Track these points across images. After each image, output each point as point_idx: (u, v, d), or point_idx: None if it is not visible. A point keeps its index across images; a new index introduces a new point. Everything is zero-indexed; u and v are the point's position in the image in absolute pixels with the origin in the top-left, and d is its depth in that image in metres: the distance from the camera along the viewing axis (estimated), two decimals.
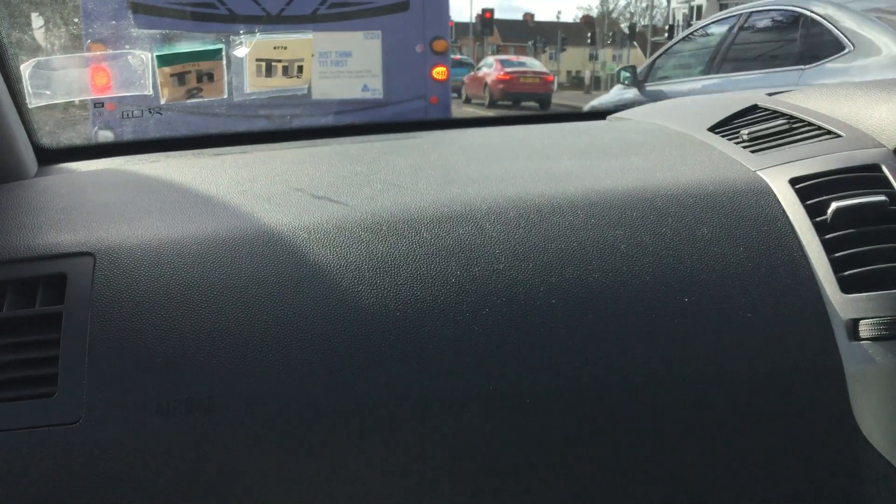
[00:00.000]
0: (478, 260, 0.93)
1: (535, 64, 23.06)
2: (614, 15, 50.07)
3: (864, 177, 1.00)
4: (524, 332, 0.89)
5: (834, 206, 0.96)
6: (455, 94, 18.35)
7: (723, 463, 0.92)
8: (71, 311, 0.88)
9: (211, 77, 1.09)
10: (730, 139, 1.18)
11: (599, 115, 1.73)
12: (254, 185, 1.09)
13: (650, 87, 5.55)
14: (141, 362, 0.85)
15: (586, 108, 7.63)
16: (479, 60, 27.16)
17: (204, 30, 5.10)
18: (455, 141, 1.39)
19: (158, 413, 0.83)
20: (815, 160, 1.04)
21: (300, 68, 1.13)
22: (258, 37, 1.10)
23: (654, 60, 5.84)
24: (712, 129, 1.25)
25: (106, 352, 0.86)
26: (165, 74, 1.08)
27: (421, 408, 0.86)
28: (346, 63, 5.54)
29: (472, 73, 22.68)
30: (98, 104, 1.30)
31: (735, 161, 1.10)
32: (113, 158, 1.36)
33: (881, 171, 1.01)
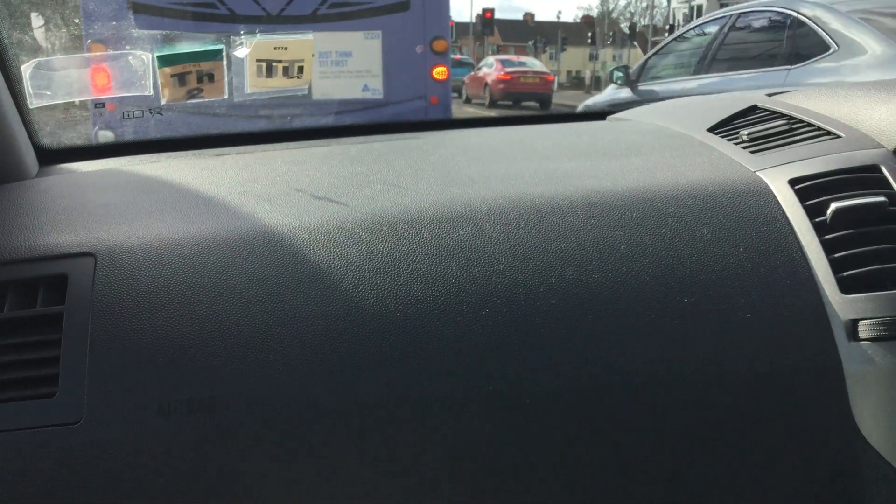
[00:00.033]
0: (478, 260, 0.93)
1: (535, 64, 23.06)
2: (614, 15, 50.10)
3: (864, 177, 1.00)
4: (524, 332, 0.89)
5: (833, 206, 0.96)
6: (455, 94, 18.37)
7: (723, 463, 0.92)
8: (72, 312, 0.88)
9: (211, 77, 1.10)
10: (729, 140, 1.19)
11: (599, 115, 1.73)
12: (254, 185, 1.09)
13: (642, 86, 5.63)
14: (142, 362, 0.85)
15: (580, 107, 7.69)
16: (479, 60, 27.15)
17: (204, 30, 5.11)
18: (455, 141, 1.40)
19: (159, 413, 0.83)
20: (814, 161, 1.04)
21: (300, 69, 1.13)
22: (258, 37, 1.10)
23: (647, 60, 5.93)
24: (712, 129, 1.25)
25: (107, 352, 0.86)
26: (166, 75, 1.08)
27: (421, 408, 0.87)
28: (347, 63, 5.54)
29: (473, 73, 22.67)
30: (98, 105, 1.30)
31: (735, 162, 1.10)
32: (114, 159, 1.36)
33: (881, 171, 1.01)
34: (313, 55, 1.15)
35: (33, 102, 1.11)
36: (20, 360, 0.86)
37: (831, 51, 3.86)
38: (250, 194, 1.05)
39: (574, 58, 47.94)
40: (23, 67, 1.10)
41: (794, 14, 4.20)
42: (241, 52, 1.10)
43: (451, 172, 1.12)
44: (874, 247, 0.94)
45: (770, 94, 1.33)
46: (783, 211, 0.99)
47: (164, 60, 1.08)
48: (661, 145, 1.21)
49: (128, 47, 1.13)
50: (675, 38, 5.88)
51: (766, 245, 0.96)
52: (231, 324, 0.87)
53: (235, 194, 1.05)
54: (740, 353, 0.91)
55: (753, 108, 1.27)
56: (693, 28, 5.72)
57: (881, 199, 0.96)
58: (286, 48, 1.12)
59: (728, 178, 1.05)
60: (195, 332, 0.87)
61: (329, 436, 0.86)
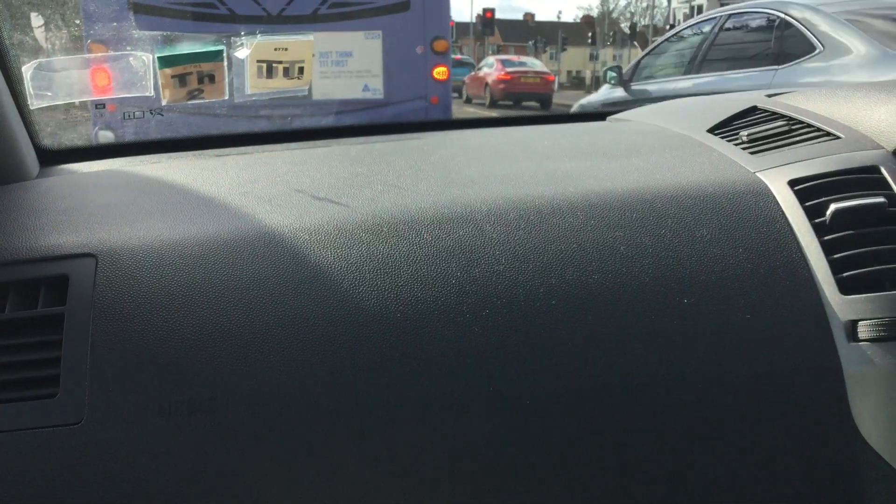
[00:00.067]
0: (478, 261, 0.93)
1: (535, 64, 23.04)
2: (615, 15, 50.09)
3: (863, 178, 1.00)
4: (524, 333, 0.89)
5: (833, 207, 0.96)
6: (456, 94, 18.36)
7: (722, 463, 0.92)
8: (73, 313, 0.88)
9: (212, 78, 1.10)
10: (729, 140, 1.19)
11: (599, 116, 1.73)
12: (255, 186, 1.09)
13: (635, 86, 5.73)
14: (142, 363, 0.85)
15: (575, 107, 7.75)
16: (479, 60, 27.14)
17: (204, 30, 5.11)
18: (455, 142, 1.40)
19: (160, 414, 0.84)
20: (814, 162, 1.04)
21: (301, 69, 1.13)
22: (259, 38, 1.11)
23: (640, 61, 6.01)
24: (712, 130, 1.25)
25: (108, 353, 0.86)
26: (167, 75, 1.08)
27: (421, 409, 0.87)
28: (347, 63, 5.53)
29: (473, 73, 22.66)
30: (99, 105, 1.31)
31: (734, 163, 1.10)
32: (114, 159, 1.37)
33: (880, 172, 1.01)
34: (313, 55, 1.15)
35: (34, 103, 1.11)
36: (21, 361, 0.87)
37: (817, 51, 3.96)
38: (251, 195, 1.05)
39: (574, 58, 47.93)
40: (24, 68, 1.10)
41: (782, 15, 4.30)
42: (241, 53, 1.11)
43: (451, 173, 1.12)
44: (874, 248, 0.94)
45: (770, 95, 1.33)
46: (783, 212, 0.99)
47: (165, 61, 1.08)
48: (660, 146, 1.21)
49: (128, 48, 1.13)
50: (667, 39, 5.98)
51: (766, 246, 0.96)
52: (232, 324, 0.87)
53: (236, 195, 1.06)
54: (740, 353, 0.91)
55: (753, 109, 1.28)
56: (684, 29, 5.82)
57: (881, 199, 0.96)
58: (286, 49, 1.12)
59: (728, 178, 1.05)
60: (196, 332, 0.87)
61: (329, 436, 0.86)
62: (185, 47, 1.10)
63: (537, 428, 0.88)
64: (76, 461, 0.83)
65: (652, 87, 5.57)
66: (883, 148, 1.05)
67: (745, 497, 0.93)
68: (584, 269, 0.93)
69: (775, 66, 4.21)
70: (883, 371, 0.90)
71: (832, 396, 0.91)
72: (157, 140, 1.51)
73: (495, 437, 0.88)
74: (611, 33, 43.90)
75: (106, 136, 3.37)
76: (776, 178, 1.04)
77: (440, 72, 5.86)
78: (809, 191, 1.00)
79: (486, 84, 20.78)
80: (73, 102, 1.25)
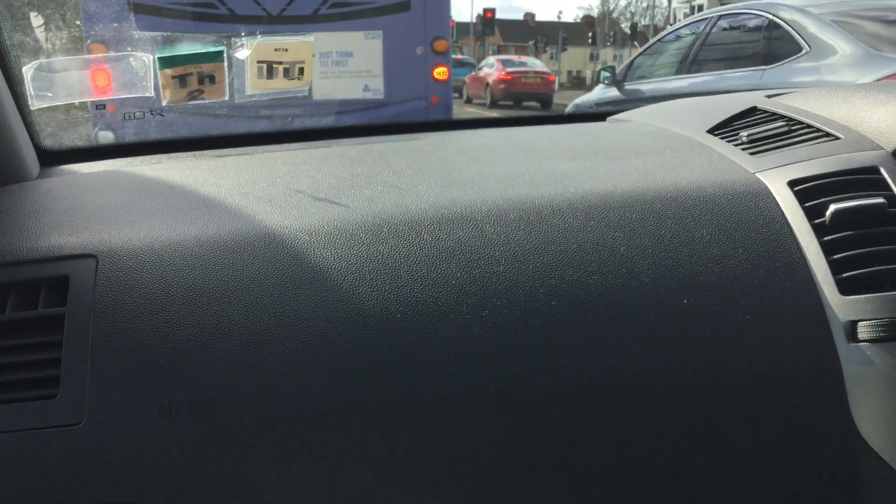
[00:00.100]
0: (478, 262, 0.93)
1: (536, 64, 23.03)
2: (615, 15, 50.12)
3: (863, 179, 1.00)
4: (524, 333, 0.89)
5: (832, 208, 0.96)
6: (456, 95, 18.34)
7: (722, 463, 0.92)
8: (73, 313, 0.88)
9: (212, 79, 1.10)
10: (729, 141, 1.19)
11: (599, 116, 1.73)
12: (255, 186, 1.09)
13: (628, 86, 5.82)
14: (143, 364, 0.86)
15: (570, 106, 7.82)
16: (480, 60, 27.13)
17: (204, 31, 5.11)
18: (456, 142, 1.40)
19: (160, 414, 0.84)
20: (813, 162, 1.04)
21: (301, 70, 1.13)
22: (259, 39, 1.11)
23: (633, 61, 6.12)
24: (711, 130, 1.25)
25: (108, 354, 0.86)
26: (167, 76, 1.08)
27: (421, 409, 0.87)
28: (347, 63, 5.54)
29: (474, 73, 22.65)
30: (99, 106, 1.31)
31: (734, 163, 1.10)
32: (115, 160, 1.37)
33: (880, 173, 1.01)
34: (314, 55, 1.15)
35: (35, 104, 1.11)
36: (21, 362, 0.87)
37: (804, 52, 4.06)
38: (251, 195, 1.05)
39: (575, 58, 47.93)
40: (24, 69, 1.10)
41: (771, 16, 4.41)
42: (241, 54, 1.11)
43: (451, 174, 1.12)
44: (873, 248, 0.94)
45: (770, 96, 1.34)
46: (782, 212, 0.99)
47: (165, 62, 1.08)
48: (660, 146, 1.21)
49: (128, 48, 1.13)
50: (659, 39, 6.07)
51: (766, 246, 0.96)
52: (232, 325, 0.88)
53: (236, 195, 1.06)
54: (740, 354, 0.91)
55: (753, 110, 1.28)
56: (676, 30, 5.92)
57: (880, 200, 0.96)
58: (287, 49, 1.12)
59: (727, 179, 1.05)
60: (196, 333, 0.87)
61: (329, 437, 0.86)
62: (186, 48, 1.10)
63: (537, 428, 0.88)
64: (76, 462, 0.83)
65: (644, 86, 5.67)
66: (882, 149, 1.05)
67: (745, 497, 0.93)
68: (583, 269, 0.93)
69: (763, 67, 4.31)
70: (883, 371, 0.90)
71: (832, 397, 0.91)
72: (158, 141, 1.51)
73: (495, 438, 0.88)
74: (611, 33, 43.91)
75: (106, 137, 3.37)
76: (776, 178, 1.04)
77: (440, 72, 5.86)
78: (809, 191, 1.00)
79: (487, 84, 20.77)
80: (74, 103, 1.24)
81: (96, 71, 1.15)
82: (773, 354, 0.91)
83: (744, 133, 1.17)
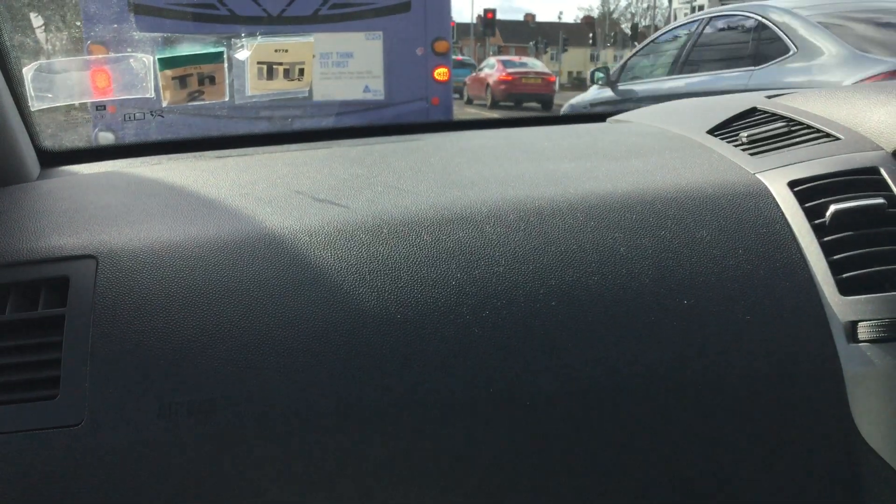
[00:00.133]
0: (478, 262, 0.93)
1: (536, 64, 23.04)
2: (615, 16, 50.13)
3: (863, 179, 1.00)
4: (524, 334, 0.89)
5: (832, 208, 0.96)
6: (457, 95, 18.36)
7: (723, 464, 0.92)
8: (73, 314, 0.88)
9: (212, 80, 1.10)
10: (729, 142, 1.19)
11: (599, 117, 1.73)
12: (255, 187, 1.09)
13: (622, 86, 5.93)
14: (143, 365, 0.86)
15: (565, 107, 7.89)
16: (480, 61, 27.13)
17: (204, 31, 5.11)
18: (456, 143, 1.40)
19: (160, 415, 0.84)
20: (813, 163, 1.04)
21: (301, 71, 1.13)
22: (259, 40, 1.11)
23: (626, 62, 6.21)
24: (711, 131, 1.25)
25: (108, 354, 0.86)
26: (167, 77, 1.08)
27: (421, 409, 0.87)
28: (348, 64, 5.54)
29: (474, 74, 22.66)
30: (99, 107, 1.31)
31: (734, 164, 1.10)
32: (115, 161, 1.37)
33: (880, 173, 1.01)
34: (314, 56, 1.15)
35: (35, 105, 1.11)
36: (21, 363, 0.87)
37: (791, 52, 4.17)
38: (251, 196, 1.05)
39: (575, 58, 47.93)
40: (24, 70, 1.10)
41: (760, 18, 4.52)
42: (241, 55, 1.11)
43: (451, 174, 1.12)
44: (873, 248, 0.94)
45: (769, 97, 1.34)
46: (782, 213, 0.99)
47: (165, 62, 1.08)
48: (660, 147, 1.22)
49: (128, 49, 1.14)
50: (652, 41, 6.17)
51: (766, 247, 0.96)
52: (232, 326, 0.88)
53: (236, 196, 1.06)
54: (740, 354, 0.91)
55: (753, 111, 1.28)
56: (668, 31, 6.04)
57: (880, 201, 0.96)
58: (287, 50, 1.12)
59: (727, 180, 1.05)
60: (196, 334, 0.87)
61: (329, 437, 0.86)
62: (186, 48, 1.10)
63: (537, 429, 0.88)
64: (76, 462, 0.83)
65: (637, 87, 5.78)
66: (882, 149, 1.05)
67: (745, 497, 0.93)
68: (583, 270, 0.93)
69: (752, 67, 4.41)
70: (883, 372, 0.90)
71: (832, 397, 0.91)
72: (158, 142, 1.51)
73: (495, 438, 0.88)
74: (612, 34, 43.92)
75: (106, 138, 3.38)
76: (776, 179, 1.04)
77: (441, 73, 5.86)
78: (809, 192, 1.00)
79: (488, 85, 20.77)
80: (74, 104, 1.25)
81: (96, 72, 1.15)
82: (773, 355, 0.91)
83: (744, 134, 1.17)
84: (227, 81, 1.10)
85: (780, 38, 4.28)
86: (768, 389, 0.91)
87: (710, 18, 5.21)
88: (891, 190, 0.99)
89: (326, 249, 0.94)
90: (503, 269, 0.93)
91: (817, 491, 0.93)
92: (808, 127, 1.15)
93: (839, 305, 0.92)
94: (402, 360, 0.87)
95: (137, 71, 1.11)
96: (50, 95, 1.11)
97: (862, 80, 3.58)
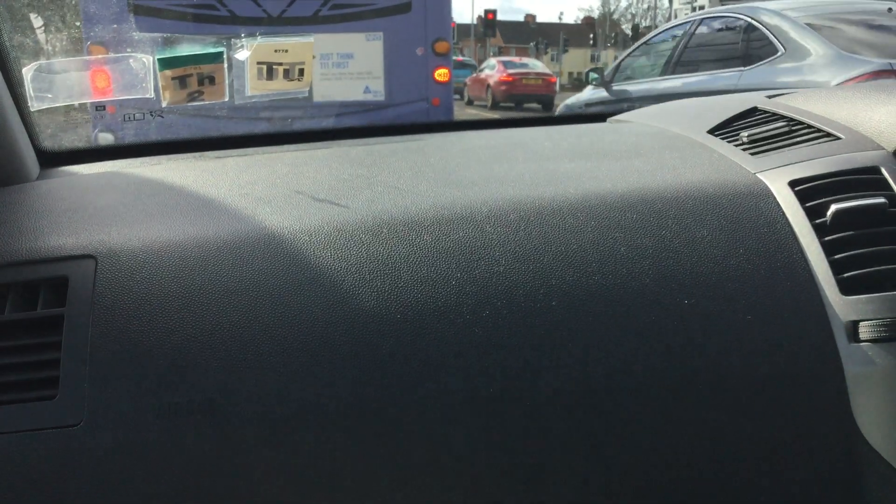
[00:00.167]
0: (478, 262, 0.93)
1: (537, 65, 23.06)
2: (616, 16, 50.17)
3: (864, 179, 1.00)
4: (524, 334, 0.89)
5: (833, 208, 0.96)
6: (457, 96, 18.35)
7: (723, 463, 0.92)
8: (72, 314, 0.88)
9: (212, 80, 1.10)
10: (729, 141, 1.19)
11: (599, 117, 1.73)
12: (255, 187, 1.09)
13: (616, 86, 6.01)
14: (142, 365, 0.85)
15: (560, 107, 7.94)
16: (481, 62, 27.14)
17: (204, 32, 5.11)
18: (456, 143, 1.40)
19: (159, 415, 0.84)
20: (814, 162, 1.04)
21: (301, 71, 1.13)
22: (259, 40, 1.11)
23: (620, 63, 6.29)
24: (712, 131, 1.25)
25: (107, 354, 0.86)
26: (167, 77, 1.08)
27: (421, 409, 0.87)
28: (348, 65, 5.54)
29: (475, 75, 22.68)
30: (99, 107, 1.31)
31: (735, 163, 1.10)
32: (115, 161, 1.37)
33: (880, 173, 1.01)
34: (314, 57, 1.15)
35: (34, 105, 1.11)
36: (21, 363, 0.87)
37: (779, 53, 4.26)
38: (251, 196, 1.05)
39: (576, 59, 47.96)
40: (24, 70, 1.10)
41: (749, 20, 4.62)
42: (241, 55, 1.11)
43: (451, 174, 1.12)
44: (874, 248, 0.94)
45: (770, 96, 1.33)
46: (783, 213, 0.99)
47: (165, 63, 1.08)
48: (661, 147, 1.21)
49: (128, 49, 1.13)
50: (645, 42, 6.24)
51: (767, 247, 0.96)
52: (231, 326, 0.87)
53: (236, 196, 1.06)
54: (741, 354, 0.91)
55: (753, 110, 1.28)
56: (661, 32, 6.12)
57: (881, 200, 0.96)
58: (287, 51, 1.12)
59: (728, 179, 1.05)
60: (195, 334, 0.87)
61: (330, 437, 0.86)
62: (186, 49, 1.10)
63: (537, 428, 0.88)
64: (75, 463, 0.83)
65: (630, 87, 5.85)
66: (883, 149, 1.05)
67: (745, 497, 0.92)
68: (584, 270, 0.93)
69: (742, 68, 4.50)
70: (884, 371, 0.90)
71: (833, 397, 0.91)
72: (158, 142, 1.51)
73: (495, 438, 0.88)
74: (612, 35, 43.93)
75: (106, 138, 3.38)
76: (777, 178, 1.03)
77: (441, 73, 5.87)
78: (810, 191, 1.00)
79: (488, 86, 20.78)
80: (74, 104, 1.25)
81: (96, 72, 1.15)
82: (774, 354, 0.91)
83: (744, 133, 1.17)
84: (226, 82, 1.10)
85: (768, 40, 4.36)
86: (769, 389, 0.91)
87: (702, 20, 5.30)
88: (891, 189, 0.99)
89: (326, 249, 0.94)
90: (503, 268, 0.92)
91: (818, 491, 0.93)
92: (809, 126, 1.15)
93: (840, 305, 0.92)
94: (402, 359, 0.87)
95: (137, 71, 1.11)
96: (50, 96, 1.11)
97: (847, 80, 3.65)
